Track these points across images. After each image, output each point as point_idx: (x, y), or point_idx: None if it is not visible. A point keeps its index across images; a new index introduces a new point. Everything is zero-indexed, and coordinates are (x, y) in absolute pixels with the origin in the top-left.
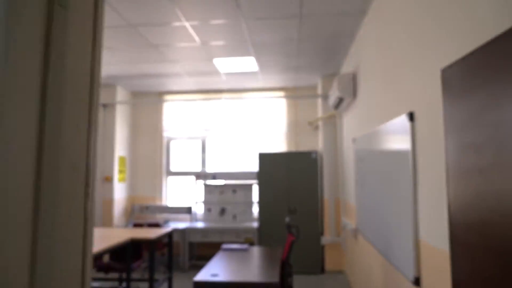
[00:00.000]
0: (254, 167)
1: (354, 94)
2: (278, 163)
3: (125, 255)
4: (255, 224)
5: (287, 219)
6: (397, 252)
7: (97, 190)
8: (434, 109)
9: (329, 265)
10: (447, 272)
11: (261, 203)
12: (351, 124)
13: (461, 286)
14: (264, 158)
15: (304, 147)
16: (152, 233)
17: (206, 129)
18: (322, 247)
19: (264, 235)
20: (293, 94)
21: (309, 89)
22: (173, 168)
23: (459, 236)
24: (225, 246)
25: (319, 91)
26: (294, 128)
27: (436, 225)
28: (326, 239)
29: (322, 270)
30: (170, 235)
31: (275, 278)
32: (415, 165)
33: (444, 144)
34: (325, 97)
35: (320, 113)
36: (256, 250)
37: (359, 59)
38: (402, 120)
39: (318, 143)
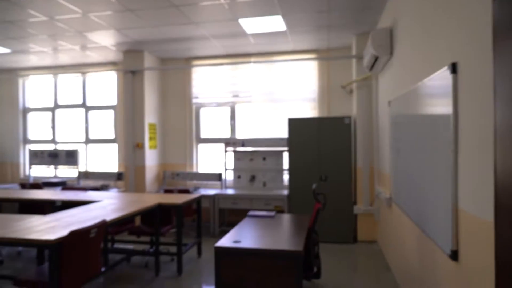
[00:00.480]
0: (285, 133)
1: (390, 51)
2: (309, 129)
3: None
4: (285, 192)
5: (314, 186)
6: (433, 223)
7: (129, 157)
8: (481, 59)
9: (361, 235)
10: (489, 245)
11: (291, 170)
12: (386, 86)
13: (506, 261)
14: (294, 124)
15: (336, 112)
16: (179, 199)
17: (235, 95)
18: (355, 217)
19: (294, 203)
20: (325, 55)
21: (343, 50)
22: (203, 135)
23: (506, 204)
24: (251, 212)
25: (353, 51)
26: (326, 92)
27: (479, 193)
28: (358, 208)
29: (354, 240)
30: (198, 201)
31: (299, 247)
32: (457, 125)
33: (493, 101)
34: (359, 57)
35: (354, 75)
36: (283, 218)
37: (396, 12)
38: (443, 74)
39: (351, 108)
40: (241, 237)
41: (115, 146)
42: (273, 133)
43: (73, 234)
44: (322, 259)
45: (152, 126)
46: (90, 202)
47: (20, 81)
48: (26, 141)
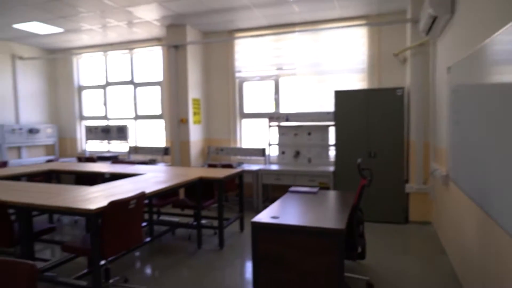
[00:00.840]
0: (331, 107)
1: (451, 9)
2: (357, 102)
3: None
4: (331, 169)
5: (359, 160)
6: (500, 205)
7: (174, 132)
8: None
9: (414, 215)
10: None
11: (338, 146)
12: (445, 51)
13: None
14: (342, 97)
15: (387, 83)
16: (221, 173)
17: (279, 67)
18: (407, 195)
19: (340, 180)
20: (376, 21)
21: (395, 15)
22: (246, 110)
23: None
24: (292, 188)
25: (408, 15)
26: (377, 62)
27: None
28: (411, 187)
29: (406, 220)
30: (240, 176)
31: (340, 225)
32: None
33: None
34: (414, 21)
35: (408, 42)
36: (326, 194)
37: None
38: None
39: (404, 78)
40: (280, 213)
41: (162, 122)
42: (319, 107)
43: (113, 204)
44: (370, 240)
45: (196, 101)
46: (135, 175)
47: (74, 60)
48: (82, 117)
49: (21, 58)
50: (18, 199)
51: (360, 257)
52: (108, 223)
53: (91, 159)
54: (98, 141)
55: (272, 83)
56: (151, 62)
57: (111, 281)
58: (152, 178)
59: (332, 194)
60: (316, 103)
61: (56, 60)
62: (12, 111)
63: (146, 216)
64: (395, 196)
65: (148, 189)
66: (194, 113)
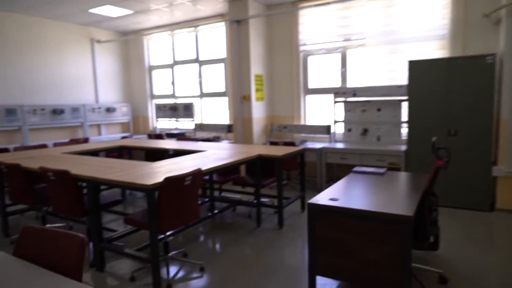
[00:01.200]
0: (404, 80)
1: None
2: (436, 72)
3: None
4: (403, 147)
5: (433, 139)
6: None
7: (237, 109)
8: None
9: (502, 202)
10: None
11: (411, 122)
12: None
13: None
14: (417, 68)
15: (473, 50)
16: (281, 151)
17: (346, 39)
18: (494, 179)
19: (413, 161)
20: None
21: None
22: (311, 86)
23: None
24: (357, 168)
25: None
26: (462, 25)
27: None
28: (499, 170)
29: (491, 208)
30: (302, 154)
31: (408, 211)
32: None
33: None
34: None
35: None
36: (395, 176)
37: None
38: None
39: (496, 43)
40: (341, 194)
41: (225, 100)
42: (390, 80)
43: (168, 180)
44: (446, 228)
45: (258, 77)
46: (197, 151)
47: (145, 41)
48: (152, 96)
49: (98, 41)
50: (87, 173)
51: (432, 248)
52: (164, 199)
53: (160, 136)
54: (167, 119)
55: (338, 56)
56: (215, 40)
57: (170, 254)
58: (212, 155)
59: (402, 176)
60: (386, 76)
61: (128, 42)
62: (92, 92)
63: (207, 192)
64: (480, 180)
65: (206, 166)
66: (257, 90)
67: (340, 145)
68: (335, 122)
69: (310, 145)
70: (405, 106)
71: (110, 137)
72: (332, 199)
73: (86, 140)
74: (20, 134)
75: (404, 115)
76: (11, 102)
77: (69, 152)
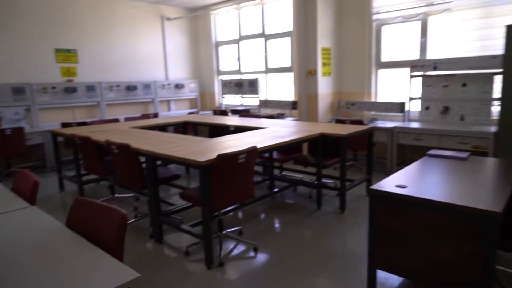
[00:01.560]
0: (498, 49)
1: None
2: None
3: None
4: (493, 129)
5: None
6: None
7: (302, 85)
8: None
9: None
10: None
11: (505, 99)
12: None
13: None
14: None
15: None
16: (346, 130)
17: (428, 3)
18: None
19: (505, 145)
20: None
21: None
22: (384, 59)
23: None
24: (432, 151)
25: None
26: None
27: None
28: None
29: None
30: (369, 133)
31: (496, 206)
32: None
33: None
34: None
35: None
36: (480, 162)
37: None
38: None
39: None
40: (411, 181)
41: (291, 75)
42: (480, 50)
43: (221, 158)
44: None
45: (325, 50)
46: (258, 128)
47: (212, 16)
48: (219, 72)
49: (168, 19)
50: (147, 147)
51: None
52: (217, 176)
53: (224, 112)
54: (232, 95)
55: (417, 24)
56: (282, 13)
57: (224, 232)
58: (271, 133)
59: (489, 162)
60: (476, 46)
61: (196, 18)
62: (162, 69)
63: (267, 171)
64: None
65: (263, 144)
66: (324, 64)
67: (415, 125)
68: (411, 99)
69: (381, 124)
70: (498, 81)
71: (179, 112)
72: (399, 186)
73: (156, 115)
74: (99, 109)
75: (497, 91)
76: (91, 80)
77: (137, 127)
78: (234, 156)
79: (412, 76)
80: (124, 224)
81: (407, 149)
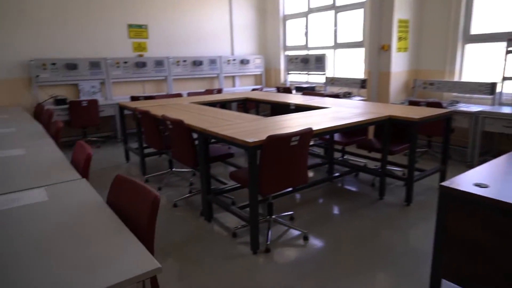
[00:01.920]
0: None
1: None
2: None
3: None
4: None
5: None
6: None
7: (373, 61)
8: None
9: None
10: None
11: None
12: None
13: None
14: None
15: None
16: (418, 113)
17: None
18: None
19: None
20: None
21: None
22: (473, 31)
23: None
24: None
25: None
26: None
27: None
28: None
29: None
30: (448, 118)
31: None
32: None
33: None
34: None
35: None
36: None
37: None
38: None
39: None
40: (495, 179)
41: (362, 51)
42: None
43: (271, 139)
44: None
45: (403, 23)
46: (320, 108)
47: None
48: (285, 48)
49: None
50: (200, 124)
51: None
52: (266, 158)
53: (288, 89)
54: (297, 72)
55: None
56: None
57: (274, 216)
58: (333, 113)
59: None
60: None
61: None
62: (228, 44)
63: (327, 153)
64: None
65: (320, 125)
66: (400, 38)
67: (507, 110)
68: (504, 78)
69: (464, 107)
70: None
71: (244, 88)
72: (478, 185)
73: (219, 91)
74: (166, 84)
75: None
76: (160, 55)
77: (197, 102)
78: (286, 138)
79: (508, 52)
80: (156, 205)
81: (494, 138)
